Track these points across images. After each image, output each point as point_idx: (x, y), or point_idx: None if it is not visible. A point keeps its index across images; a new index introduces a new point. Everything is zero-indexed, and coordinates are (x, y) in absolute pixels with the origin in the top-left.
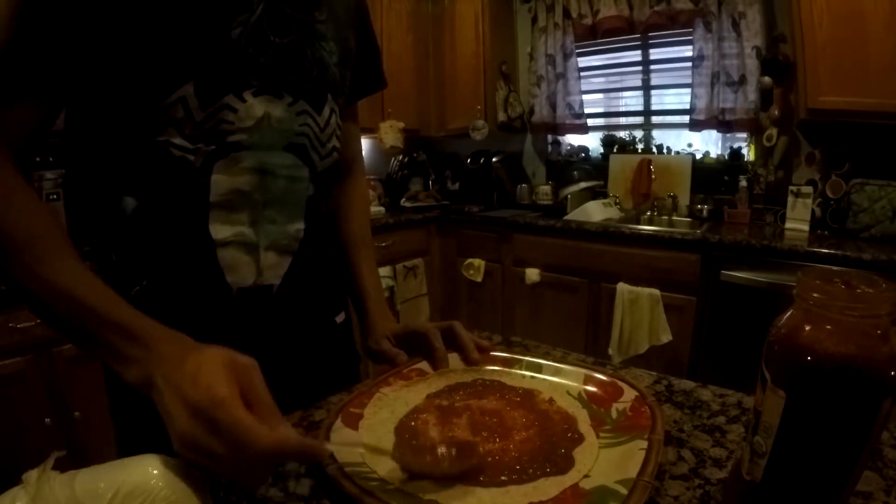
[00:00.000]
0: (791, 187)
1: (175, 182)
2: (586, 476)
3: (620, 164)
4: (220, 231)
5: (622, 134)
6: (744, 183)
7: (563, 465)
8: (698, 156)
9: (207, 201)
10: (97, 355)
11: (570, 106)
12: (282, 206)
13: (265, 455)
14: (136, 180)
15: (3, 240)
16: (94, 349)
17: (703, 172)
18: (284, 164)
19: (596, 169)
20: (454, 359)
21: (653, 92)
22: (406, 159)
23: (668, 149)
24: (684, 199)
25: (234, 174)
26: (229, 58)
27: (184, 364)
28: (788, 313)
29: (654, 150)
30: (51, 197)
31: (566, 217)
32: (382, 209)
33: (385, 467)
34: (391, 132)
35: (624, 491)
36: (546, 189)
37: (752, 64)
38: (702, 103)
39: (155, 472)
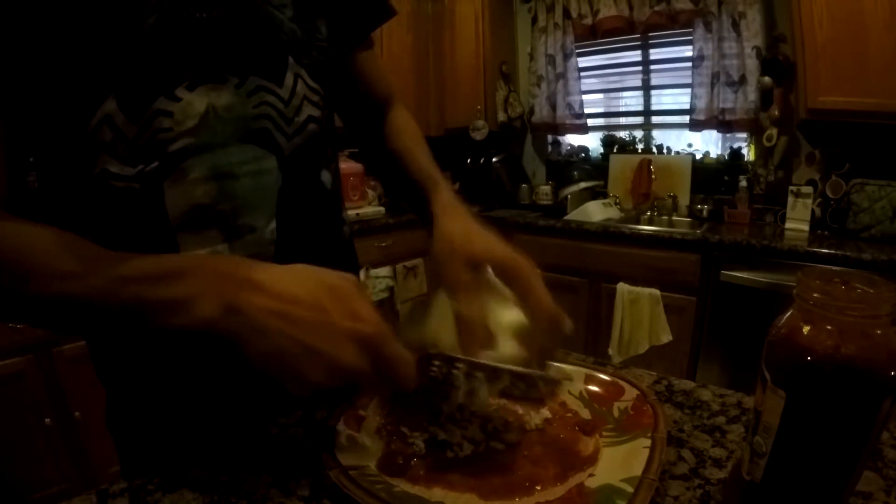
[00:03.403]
0: (791, 187)
1: (129, 217)
2: (591, 475)
3: (620, 164)
4: None
5: (622, 134)
6: (744, 183)
7: None
8: (698, 156)
9: (170, 226)
10: (153, 325)
11: (570, 106)
12: (253, 209)
13: (406, 382)
14: (91, 223)
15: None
16: (145, 320)
17: (703, 172)
18: (243, 159)
19: (596, 169)
20: None
21: (653, 92)
22: None
23: (668, 149)
24: (684, 199)
25: (187, 188)
26: (149, 54)
27: (302, 285)
28: (788, 313)
29: (654, 150)
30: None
31: (566, 217)
32: (382, 209)
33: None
34: None
35: (630, 489)
36: (546, 189)
37: (752, 64)
38: (702, 103)
39: None
